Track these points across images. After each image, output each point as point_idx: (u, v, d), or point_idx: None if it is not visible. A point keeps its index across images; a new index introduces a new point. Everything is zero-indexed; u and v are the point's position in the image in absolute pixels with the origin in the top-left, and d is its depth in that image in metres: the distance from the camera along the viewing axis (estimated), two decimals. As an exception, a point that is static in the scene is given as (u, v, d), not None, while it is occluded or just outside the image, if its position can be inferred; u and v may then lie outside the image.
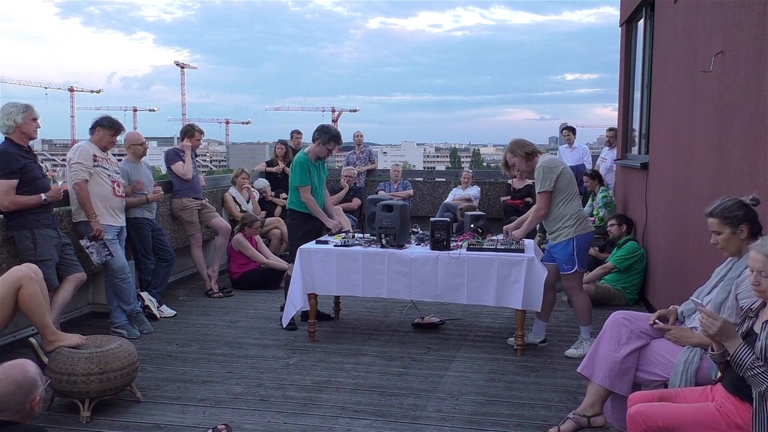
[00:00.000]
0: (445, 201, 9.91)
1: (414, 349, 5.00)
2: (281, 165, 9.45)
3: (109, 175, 5.24)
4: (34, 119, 4.62)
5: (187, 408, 3.91)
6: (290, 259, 5.59)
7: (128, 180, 5.67)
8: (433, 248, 4.99)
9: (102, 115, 5.37)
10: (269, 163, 9.70)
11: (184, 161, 6.54)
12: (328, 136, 5.65)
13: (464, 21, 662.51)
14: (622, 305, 6.24)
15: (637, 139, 7.77)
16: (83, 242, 5.05)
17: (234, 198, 7.99)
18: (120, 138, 5.54)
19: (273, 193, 8.93)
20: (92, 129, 5.28)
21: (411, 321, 5.67)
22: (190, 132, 6.76)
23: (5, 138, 4.58)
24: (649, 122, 6.81)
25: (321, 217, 5.63)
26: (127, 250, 5.61)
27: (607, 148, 9.17)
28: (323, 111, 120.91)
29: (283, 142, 9.97)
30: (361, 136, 11.05)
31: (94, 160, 5.13)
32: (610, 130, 9.07)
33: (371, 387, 4.25)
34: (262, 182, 9.02)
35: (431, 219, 5.16)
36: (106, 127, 5.24)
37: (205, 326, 5.65)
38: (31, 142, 4.73)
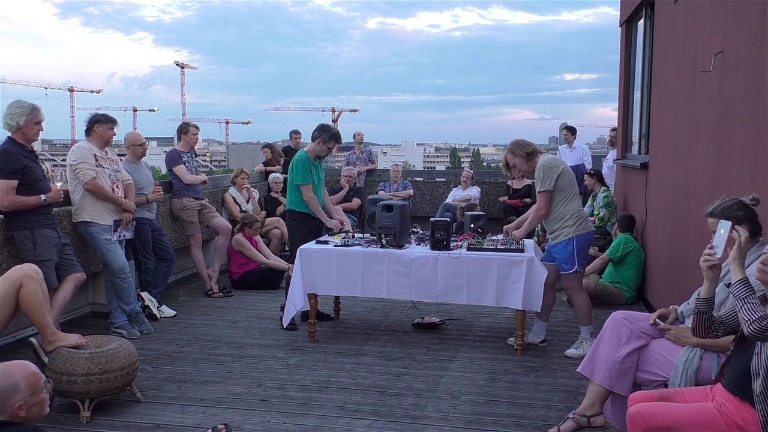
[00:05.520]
0: (445, 201, 9.91)
1: (414, 349, 5.00)
2: (279, 166, 9.46)
3: (109, 175, 5.24)
4: (38, 122, 4.62)
5: (187, 408, 3.91)
6: (291, 260, 5.59)
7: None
8: (433, 248, 4.99)
9: (92, 114, 5.38)
10: (266, 164, 9.71)
11: (188, 168, 6.56)
12: (328, 134, 5.66)
13: (463, 21, 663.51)
14: (621, 304, 6.25)
15: (637, 139, 7.77)
16: (113, 237, 5.25)
17: (234, 198, 7.99)
18: (119, 137, 5.56)
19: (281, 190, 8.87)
20: (89, 129, 5.27)
21: (411, 321, 5.67)
22: (184, 129, 6.80)
23: (8, 137, 4.59)
24: (649, 122, 6.81)
25: (321, 216, 5.63)
26: (127, 250, 5.61)
27: (612, 148, 9.15)
28: (323, 111, 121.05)
29: (269, 146, 9.98)
30: (362, 135, 11.05)
31: (95, 160, 5.14)
32: (614, 129, 9.05)
33: (371, 387, 4.25)
34: (277, 176, 9.02)
35: (431, 219, 5.16)
36: (104, 122, 5.25)
37: (205, 326, 5.65)
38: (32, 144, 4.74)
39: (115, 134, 5.35)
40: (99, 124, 5.24)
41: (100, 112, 5.55)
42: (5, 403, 2.30)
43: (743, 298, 2.39)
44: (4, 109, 4.62)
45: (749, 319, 2.33)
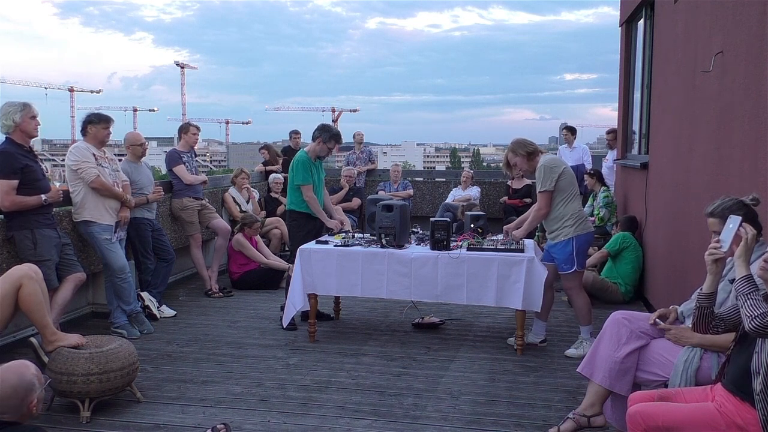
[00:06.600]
0: (444, 201, 9.91)
1: (414, 349, 5.00)
2: (278, 166, 9.49)
3: (109, 174, 5.25)
4: (33, 117, 4.61)
5: (187, 408, 3.91)
6: (291, 260, 5.59)
7: (129, 180, 5.66)
8: (433, 248, 4.99)
9: (86, 114, 5.38)
10: (265, 164, 9.72)
11: (188, 168, 6.56)
12: (329, 134, 5.67)
13: (463, 21, 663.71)
14: (618, 301, 6.29)
15: (637, 139, 7.77)
16: (114, 238, 5.25)
17: (234, 198, 7.99)
18: (119, 137, 5.56)
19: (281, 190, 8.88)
20: (84, 129, 5.27)
21: (411, 321, 5.67)
22: (185, 129, 6.81)
23: (6, 138, 4.58)
24: (649, 122, 6.81)
25: (321, 216, 5.63)
26: (127, 250, 5.61)
27: (610, 150, 9.16)
28: (323, 111, 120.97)
29: (266, 147, 10.04)
30: (362, 135, 11.05)
31: (95, 159, 5.14)
32: (609, 132, 9.04)
33: (371, 387, 4.25)
34: (278, 176, 9.05)
35: (431, 219, 5.16)
36: (97, 122, 5.25)
37: (205, 326, 5.65)
38: (31, 142, 4.73)
39: (110, 133, 5.32)
40: (92, 125, 5.23)
41: (95, 111, 5.55)
42: (23, 402, 2.33)
43: (746, 294, 2.40)
44: None
45: (751, 315, 2.34)
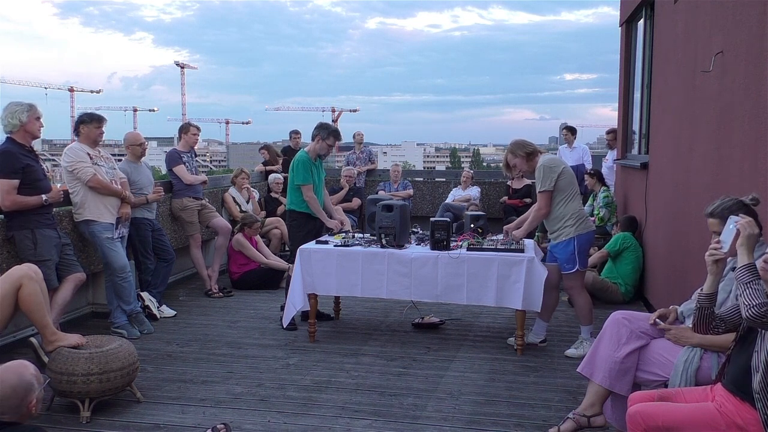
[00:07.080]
0: (445, 201, 9.92)
1: (414, 349, 5.00)
2: (278, 166, 9.49)
3: (107, 172, 5.25)
4: (38, 118, 4.65)
5: (187, 408, 3.91)
6: (291, 260, 5.60)
7: (128, 180, 5.67)
8: (433, 248, 4.99)
9: (79, 114, 5.40)
10: (265, 164, 9.73)
11: (188, 168, 6.56)
12: (327, 131, 5.68)
13: (463, 21, 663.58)
14: (618, 301, 6.29)
15: (637, 139, 7.77)
16: (115, 235, 5.25)
17: (234, 198, 7.99)
18: (118, 136, 5.58)
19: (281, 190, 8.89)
20: (76, 130, 5.29)
21: (411, 321, 5.67)
22: (185, 129, 6.81)
23: (7, 137, 4.59)
24: (649, 122, 6.81)
25: (321, 216, 5.64)
26: (127, 250, 5.61)
27: (610, 150, 9.16)
28: (323, 111, 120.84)
29: (266, 147, 10.06)
30: (362, 135, 11.05)
31: (90, 159, 5.14)
32: (609, 132, 9.04)
33: (371, 387, 4.25)
34: (278, 176, 9.06)
35: (431, 219, 5.16)
36: (89, 122, 5.24)
37: (205, 326, 5.65)
38: (32, 143, 4.74)
39: (102, 132, 5.31)
40: (84, 125, 5.23)
41: (87, 111, 5.55)
42: (23, 403, 2.33)
43: (747, 283, 2.40)
44: (1, 112, 4.63)
45: (750, 304, 2.34)
